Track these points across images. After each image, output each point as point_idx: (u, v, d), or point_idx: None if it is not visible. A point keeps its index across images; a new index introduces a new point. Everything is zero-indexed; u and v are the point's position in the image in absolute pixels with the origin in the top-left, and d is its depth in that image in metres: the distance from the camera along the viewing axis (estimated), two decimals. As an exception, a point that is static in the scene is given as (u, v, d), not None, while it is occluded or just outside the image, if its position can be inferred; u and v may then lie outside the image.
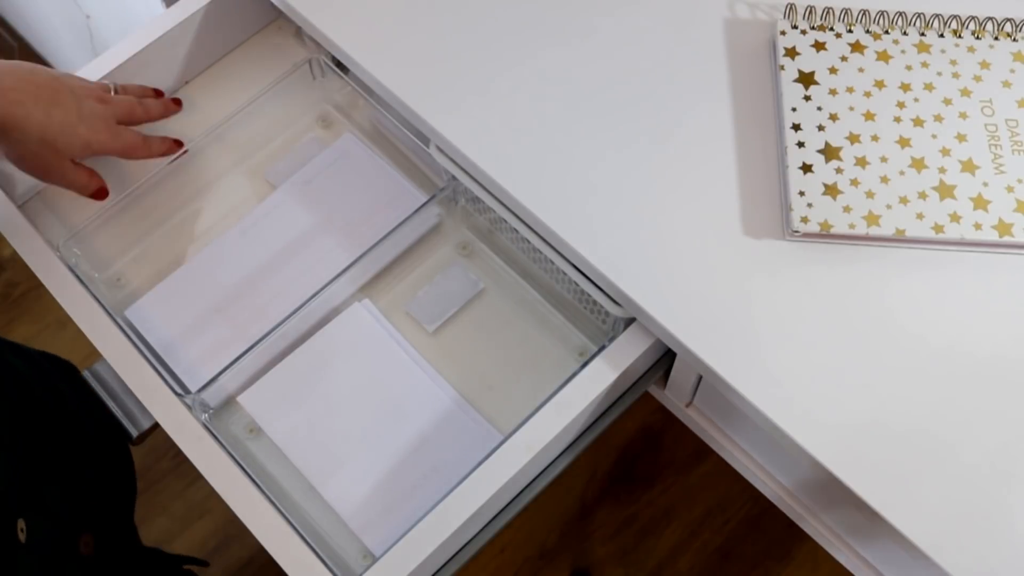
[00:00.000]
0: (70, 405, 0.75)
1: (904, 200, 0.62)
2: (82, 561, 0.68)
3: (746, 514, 1.35)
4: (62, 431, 0.73)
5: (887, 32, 0.69)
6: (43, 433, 0.70)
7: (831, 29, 0.69)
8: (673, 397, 0.73)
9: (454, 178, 0.72)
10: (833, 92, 0.66)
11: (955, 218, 0.61)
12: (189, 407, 0.67)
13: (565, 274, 0.68)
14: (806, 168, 0.64)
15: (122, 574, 0.76)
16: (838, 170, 0.63)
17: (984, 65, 0.67)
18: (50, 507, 0.66)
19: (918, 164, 0.64)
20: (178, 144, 0.79)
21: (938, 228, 0.61)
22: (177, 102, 0.82)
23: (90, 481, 0.74)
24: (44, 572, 0.63)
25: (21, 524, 0.62)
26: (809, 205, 0.62)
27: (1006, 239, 0.61)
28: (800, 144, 0.64)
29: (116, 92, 0.76)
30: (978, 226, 0.61)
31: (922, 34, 0.68)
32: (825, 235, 0.62)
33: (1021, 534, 0.54)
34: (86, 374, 0.74)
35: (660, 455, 1.40)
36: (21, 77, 0.67)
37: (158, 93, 0.80)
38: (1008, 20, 0.68)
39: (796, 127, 0.65)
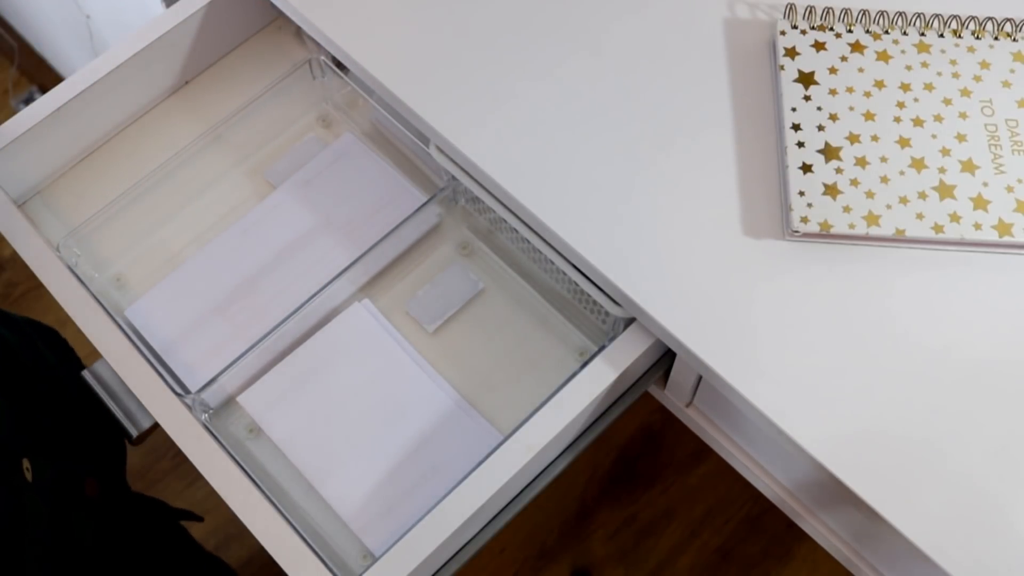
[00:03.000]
0: (55, 370, 0.76)
1: (904, 200, 0.62)
2: (88, 503, 0.68)
3: (746, 514, 1.35)
4: (51, 391, 0.73)
5: (887, 32, 0.69)
6: (35, 391, 0.71)
7: (831, 29, 0.69)
8: (673, 397, 0.73)
9: (454, 178, 0.72)
10: (833, 92, 0.66)
11: (955, 218, 0.61)
12: (189, 407, 0.67)
13: (565, 274, 0.68)
14: (806, 168, 0.64)
15: (125, 518, 0.76)
16: (838, 170, 0.63)
17: (984, 65, 0.67)
18: (53, 450, 0.67)
19: (918, 164, 0.63)
20: None
21: (938, 228, 0.61)
22: None
23: (85, 433, 0.75)
24: (51, 510, 0.64)
25: (26, 463, 0.62)
26: (809, 205, 0.62)
27: (1006, 239, 0.61)
28: (800, 144, 0.64)
29: None
30: (978, 226, 0.61)
31: (922, 34, 0.68)
32: (825, 235, 0.62)
33: (1021, 534, 0.54)
34: (86, 374, 0.74)
35: (660, 455, 1.40)
36: None
37: None
38: (1008, 20, 0.68)
39: (796, 127, 0.65)
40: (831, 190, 0.63)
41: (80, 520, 0.69)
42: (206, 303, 0.76)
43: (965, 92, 0.66)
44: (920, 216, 0.62)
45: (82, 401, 0.78)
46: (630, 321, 0.65)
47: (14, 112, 1.67)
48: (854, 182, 0.63)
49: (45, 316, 1.54)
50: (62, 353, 0.82)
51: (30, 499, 0.62)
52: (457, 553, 0.66)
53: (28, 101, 1.86)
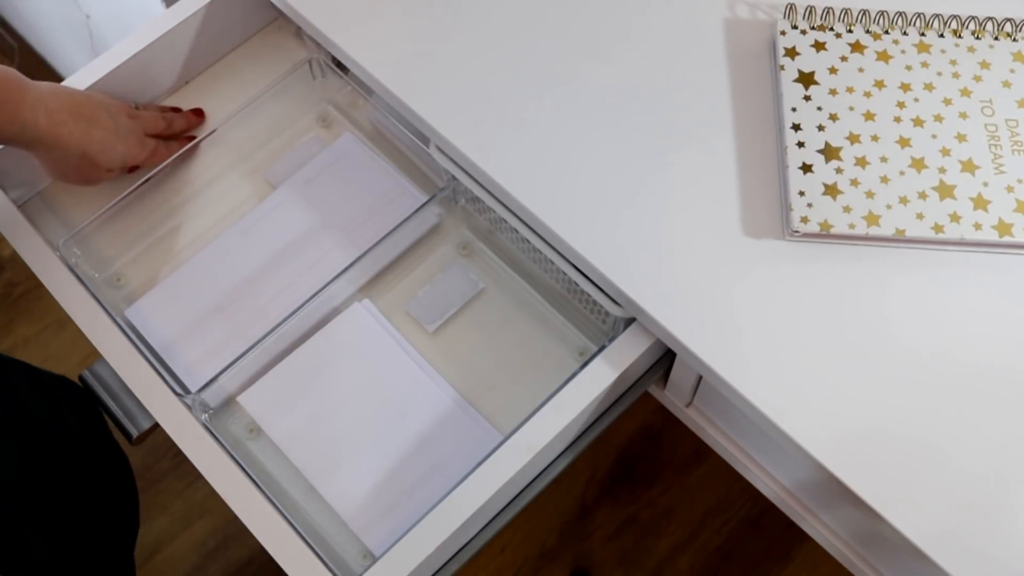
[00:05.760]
0: (75, 432, 0.75)
1: (904, 200, 0.62)
2: None
3: (746, 514, 1.35)
4: (62, 464, 0.72)
5: (887, 32, 0.69)
6: (40, 472, 0.70)
7: (831, 29, 0.69)
8: (673, 397, 0.73)
9: (454, 178, 0.72)
10: (833, 92, 0.66)
11: (955, 218, 0.61)
12: (189, 407, 0.67)
13: (565, 274, 0.68)
14: (806, 168, 0.64)
15: None
16: (838, 170, 0.63)
17: (984, 65, 0.67)
18: (34, 555, 0.66)
19: (918, 164, 0.64)
20: (197, 115, 0.83)
21: (938, 228, 0.61)
22: (199, 113, 0.83)
23: (84, 521, 0.73)
24: None
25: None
26: (809, 205, 0.62)
27: (1006, 239, 0.61)
28: (800, 144, 0.64)
29: (138, 108, 0.79)
30: (978, 226, 0.61)
31: (922, 34, 0.68)
32: (825, 235, 0.62)
33: (1021, 534, 0.54)
34: (86, 374, 0.74)
35: (660, 455, 1.40)
36: (61, 96, 0.70)
37: (176, 110, 0.83)
38: (1008, 20, 0.68)
39: (796, 127, 0.65)
40: (831, 190, 0.63)
41: None
42: (206, 303, 0.76)
43: (965, 92, 0.66)
44: (920, 216, 0.62)
45: (99, 463, 0.77)
46: (630, 321, 0.65)
47: (14, 112, 1.66)
48: (854, 182, 0.63)
49: (45, 316, 1.54)
50: (85, 414, 0.80)
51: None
52: (457, 553, 0.66)
53: (28, 101, 1.85)
